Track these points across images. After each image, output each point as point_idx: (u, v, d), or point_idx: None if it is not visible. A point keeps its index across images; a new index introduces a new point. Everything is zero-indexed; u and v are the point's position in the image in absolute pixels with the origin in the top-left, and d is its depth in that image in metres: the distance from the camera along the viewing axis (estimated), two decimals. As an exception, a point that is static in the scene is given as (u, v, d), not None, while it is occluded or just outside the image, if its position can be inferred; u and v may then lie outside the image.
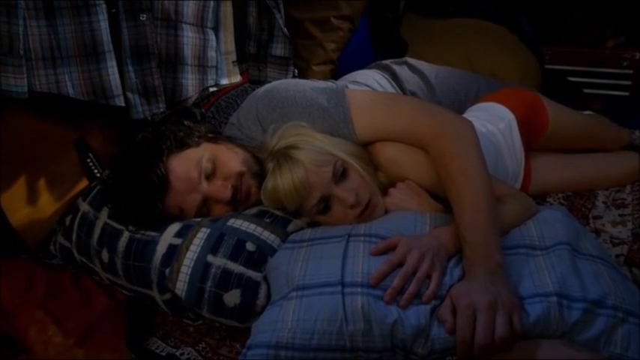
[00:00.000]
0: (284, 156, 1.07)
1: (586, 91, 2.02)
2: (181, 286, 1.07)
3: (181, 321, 1.17)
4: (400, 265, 0.95)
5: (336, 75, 1.81)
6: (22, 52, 1.17)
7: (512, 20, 2.02)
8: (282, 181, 1.06)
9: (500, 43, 1.91)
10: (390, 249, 0.98)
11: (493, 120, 1.28)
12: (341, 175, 1.07)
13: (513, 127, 1.29)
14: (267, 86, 1.23)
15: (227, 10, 1.46)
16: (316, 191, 1.06)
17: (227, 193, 1.16)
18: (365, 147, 1.14)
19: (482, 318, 0.86)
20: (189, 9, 1.36)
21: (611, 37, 2.11)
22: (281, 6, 1.51)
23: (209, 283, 1.05)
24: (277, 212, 1.16)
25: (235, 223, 1.12)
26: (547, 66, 2.04)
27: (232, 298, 1.04)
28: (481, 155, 1.05)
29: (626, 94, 2.00)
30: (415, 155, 1.11)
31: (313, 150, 1.06)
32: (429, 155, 1.09)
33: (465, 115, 1.28)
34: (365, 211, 1.08)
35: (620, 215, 1.30)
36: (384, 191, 1.13)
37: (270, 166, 1.11)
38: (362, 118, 1.12)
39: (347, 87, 1.21)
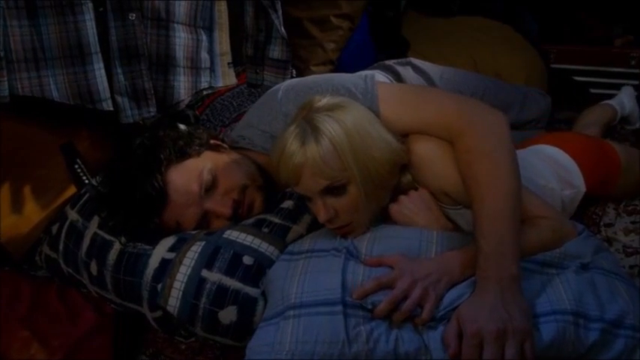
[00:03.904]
0: (303, 131, 0.95)
1: (593, 91, 1.98)
2: (174, 302, 1.03)
3: (173, 338, 1.14)
4: (389, 287, 0.91)
5: (335, 76, 1.77)
6: (2, 53, 1.14)
7: (517, 18, 2.01)
8: (286, 153, 0.95)
9: (504, 41, 1.89)
10: (384, 265, 0.95)
11: (563, 181, 1.20)
12: (334, 191, 0.98)
13: (577, 199, 1.22)
14: (289, 82, 1.17)
15: (222, 10, 1.43)
16: (302, 188, 0.99)
17: (228, 209, 1.11)
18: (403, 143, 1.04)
19: (490, 349, 0.82)
20: (181, 8, 1.33)
21: (619, 35, 2.10)
22: (278, 5, 1.47)
23: (203, 300, 1.01)
24: (275, 220, 1.12)
25: (232, 235, 1.08)
26: (552, 65, 2.01)
27: (228, 315, 1.01)
28: (512, 155, 0.97)
29: (635, 94, 1.95)
30: (446, 154, 1.02)
31: (326, 152, 0.94)
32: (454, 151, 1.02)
33: (542, 154, 1.23)
34: (339, 229, 1.01)
35: (632, 222, 1.28)
36: (398, 193, 1.06)
37: (294, 121, 0.98)
38: (389, 108, 1.05)
39: (375, 76, 1.15)
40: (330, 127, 0.95)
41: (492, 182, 0.93)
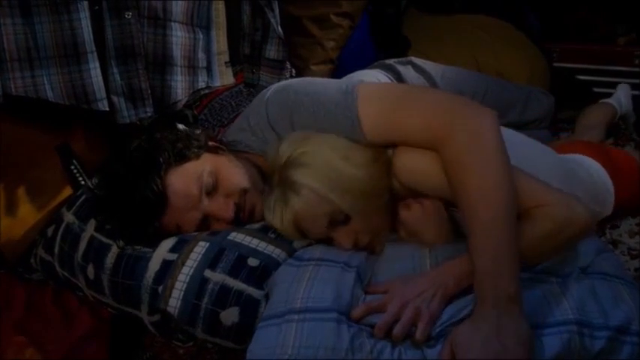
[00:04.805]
0: (281, 194, 1.01)
1: (596, 90, 1.96)
2: (174, 303, 1.01)
3: (171, 342, 1.12)
4: (380, 311, 0.91)
5: (335, 75, 1.76)
6: (-5, 52, 1.12)
7: (519, 16, 1.99)
8: (274, 220, 1.03)
9: (506, 40, 1.88)
10: (378, 293, 0.96)
11: (595, 200, 1.19)
12: (340, 222, 1.01)
13: (601, 216, 1.23)
14: (276, 88, 1.14)
15: (219, 8, 1.42)
16: (312, 235, 1.04)
17: (229, 213, 1.10)
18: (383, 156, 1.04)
19: None
20: (178, 6, 1.31)
21: (623, 34, 2.09)
22: (274, 5, 1.46)
23: (205, 300, 0.99)
24: None
25: (237, 237, 1.07)
26: (555, 64, 2.00)
27: (230, 316, 0.99)
28: (503, 162, 0.91)
29: (638, 93, 1.93)
30: (434, 165, 0.98)
31: (310, 198, 0.99)
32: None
33: (590, 169, 1.22)
34: (362, 248, 1.05)
35: (637, 224, 1.27)
36: (398, 197, 1.06)
37: (271, 188, 1.05)
38: (371, 123, 1.02)
39: (361, 83, 1.11)
40: (303, 176, 0.99)
41: (483, 196, 0.89)
